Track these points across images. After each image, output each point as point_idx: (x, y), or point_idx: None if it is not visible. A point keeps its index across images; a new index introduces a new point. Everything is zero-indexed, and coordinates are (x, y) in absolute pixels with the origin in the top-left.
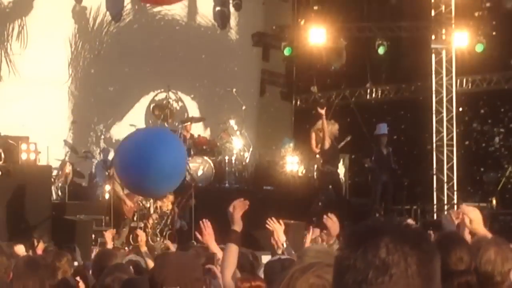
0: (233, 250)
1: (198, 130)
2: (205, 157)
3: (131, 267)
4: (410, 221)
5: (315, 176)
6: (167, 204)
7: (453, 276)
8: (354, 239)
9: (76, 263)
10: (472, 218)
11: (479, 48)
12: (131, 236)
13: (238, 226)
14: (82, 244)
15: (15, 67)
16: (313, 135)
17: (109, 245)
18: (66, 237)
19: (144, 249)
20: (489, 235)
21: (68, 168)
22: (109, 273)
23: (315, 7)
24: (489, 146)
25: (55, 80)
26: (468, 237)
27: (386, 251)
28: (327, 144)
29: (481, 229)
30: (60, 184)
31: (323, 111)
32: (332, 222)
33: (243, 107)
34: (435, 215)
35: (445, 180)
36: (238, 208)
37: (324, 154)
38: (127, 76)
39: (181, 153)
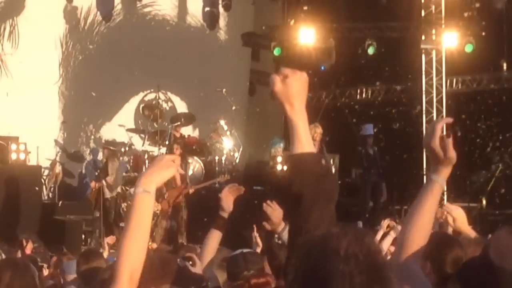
0: (215, 236)
1: (188, 130)
2: (195, 157)
3: None
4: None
5: None
6: (163, 205)
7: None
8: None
9: None
10: (455, 217)
11: (469, 48)
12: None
13: (225, 212)
14: (71, 244)
15: (6, 67)
16: None
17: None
18: (56, 237)
19: None
20: (473, 234)
21: (58, 168)
22: None
23: (305, 7)
24: (479, 146)
25: (45, 80)
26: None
27: None
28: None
29: (466, 228)
30: (51, 185)
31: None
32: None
33: (233, 107)
34: None
35: None
36: (229, 194)
37: None
38: (117, 76)
39: None
